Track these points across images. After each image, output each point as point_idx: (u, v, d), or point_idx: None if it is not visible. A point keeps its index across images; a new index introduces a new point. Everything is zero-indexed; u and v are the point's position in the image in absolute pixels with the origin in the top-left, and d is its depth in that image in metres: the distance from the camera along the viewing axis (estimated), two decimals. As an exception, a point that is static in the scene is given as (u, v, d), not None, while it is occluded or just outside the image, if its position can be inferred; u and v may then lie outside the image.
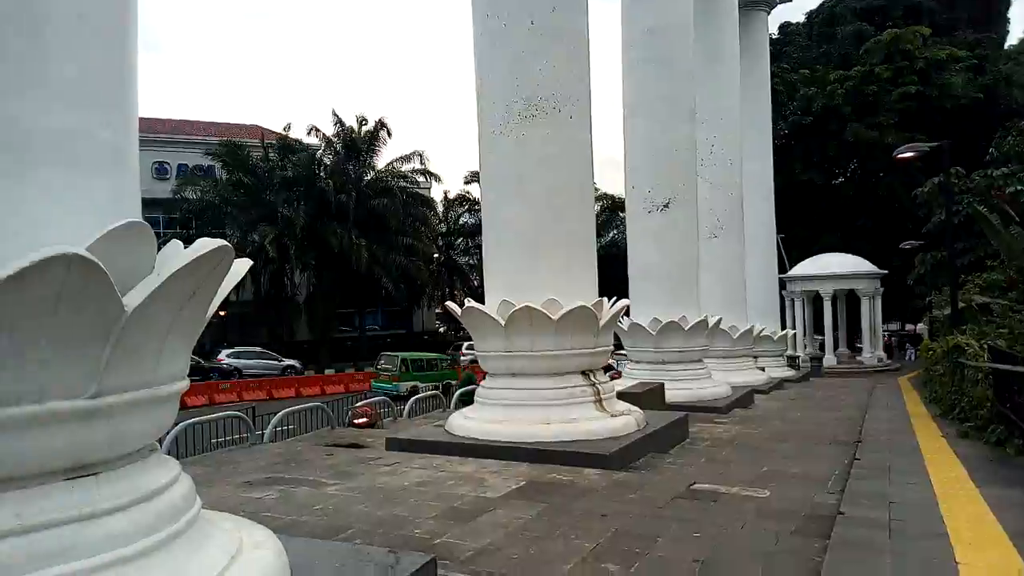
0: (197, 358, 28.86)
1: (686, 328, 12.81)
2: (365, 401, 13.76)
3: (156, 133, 39.79)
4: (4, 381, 2.49)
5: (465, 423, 8.49)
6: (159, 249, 3.13)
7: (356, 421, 10.94)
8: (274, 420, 10.10)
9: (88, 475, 2.84)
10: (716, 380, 13.72)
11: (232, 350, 33.19)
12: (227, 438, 11.11)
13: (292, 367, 33.76)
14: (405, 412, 12.68)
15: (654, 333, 12.78)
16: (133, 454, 3.09)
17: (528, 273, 8.55)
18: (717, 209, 17.24)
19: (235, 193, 37.29)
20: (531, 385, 8.33)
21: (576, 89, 8.87)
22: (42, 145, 2.75)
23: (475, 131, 9.23)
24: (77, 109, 2.90)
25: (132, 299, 2.77)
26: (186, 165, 41.04)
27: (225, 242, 3.16)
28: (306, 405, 11.96)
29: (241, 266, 3.65)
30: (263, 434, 9.75)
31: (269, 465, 7.72)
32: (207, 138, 40.90)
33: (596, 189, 31.06)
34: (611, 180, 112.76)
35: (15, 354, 2.50)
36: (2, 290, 2.34)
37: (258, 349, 34.66)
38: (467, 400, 11.41)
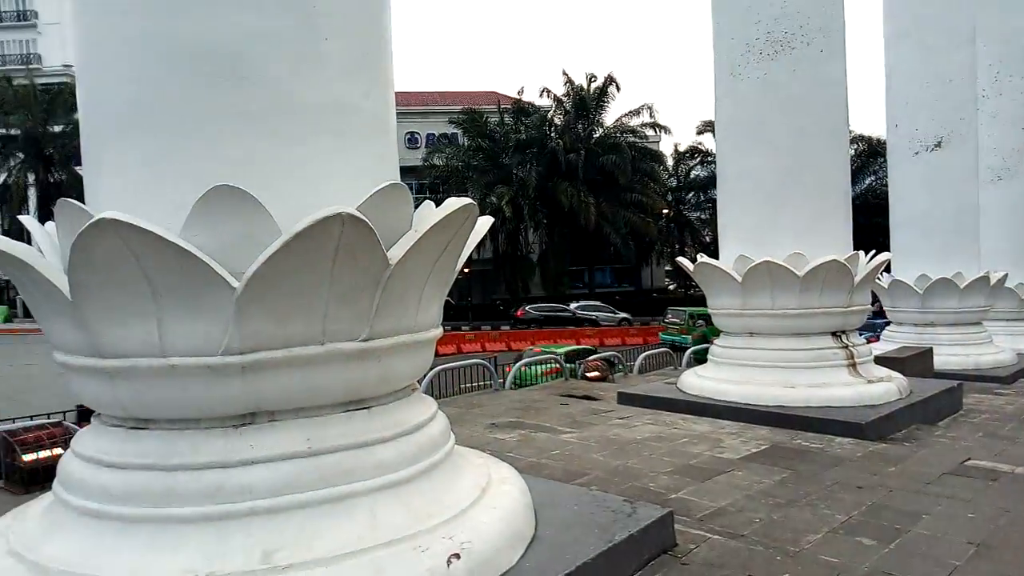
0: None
1: (961, 286, 11.15)
2: (596, 356, 14.03)
3: (408, 105, 43.42)
4: (294, 326, 2.90)
5: (698, 382, 8.27)
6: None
7: (588, 374, 11.19)
8: (513, 369, 10.70)
9: (362, 409, 3.22)
10: (999, 346, 11.84)
11: (577, 304, 36.50)
12: (473, 384, 12.02)
13: (627, 319, 35.85)
14: (635, 368, 12.70)
15: (921, 292, 11.31)
16: (398, 392, 3.45)
17: (769, 226, 7.99)
18: (1002, 148, 14.62)
19: (475, 157, 39.56)
20: (771, 345, 7.85)
21: (828, 18, 7.97)
22: (315, 116, 3.10)
23: (709, 77, 8.75)
24: (344, 82, 3.22)
25: (395, 253, 3.06)
26: (433, 134, 44.34)
27: (470, 200, 3.35)
28: (541, 356, 12.51)
29: (484, 223, 3.85)
30: (504, 382, 10.38)
31: (510, 410, 8.21)
32: (451, 107, 43.71)
33: (850, 132, 27.99)
34: (867, 120, 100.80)
35: (302, 303, 2.88)
36: (290, 247, 2.70)
37: (598, 303, 37.72)
38: (700, 359, 11.11)
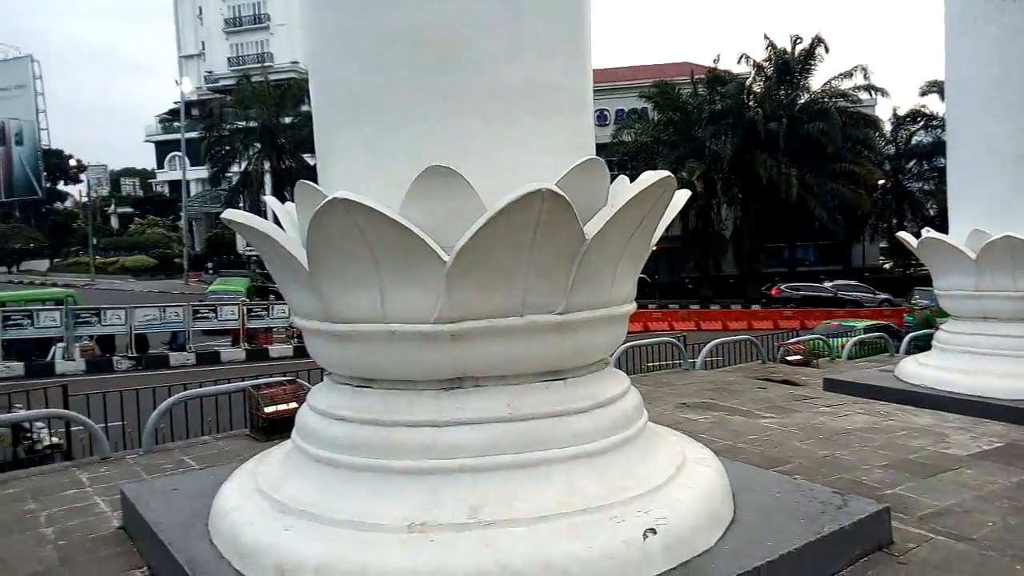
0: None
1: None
2: (797, 339, 13.16)
3: (597, 83, 43.17)
4: (496, 298, 3.04)
5: (919, 370, 7.48)
6: (609, 184, 3.40)
7: (789, 358, 10.56)
8: (705, 349, 10.38)
9: (558, 379, 3.32)
10: None
11: (833, 283, 35.92)
12: (662, 362, 11.84)
13: (888, 300, 34.47)
14: (844, 354, 11.75)
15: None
16: (592, 365, 3.51)
17: (1012, 198, 6.98)
18: None
19: (665, 132, 38.44)
20: (1011, 332, 6.89)
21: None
22: (518, 96, 3.20)
23: (936, 32, 7.74)
24: (544, 62, 3.28)
25: (591, 228, 3.09)
26: (623, 110, 43.75)
27: (668, 173, 3.28)
28: (735, 337, 12.00)
29: (681, 197, 3.76)
30: (695, 362, 10.11)
31: (701, 390, 8.00)
32: (641, 81, 42.83)
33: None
34: None
35: (505, 276, 3.02)
36: (495, 222, 2.83)
37: (855, 283, 36.73)
38: (921, 346, 10.04)
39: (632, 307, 3.67)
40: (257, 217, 3.40)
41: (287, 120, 40.50)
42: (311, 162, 40.98)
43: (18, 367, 16.19)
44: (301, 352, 12.85)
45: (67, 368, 16.57)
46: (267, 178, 41.58)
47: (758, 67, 38.04)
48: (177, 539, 3.41)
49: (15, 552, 4.01)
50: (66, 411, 6.72)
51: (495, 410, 3.10)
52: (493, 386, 3.18)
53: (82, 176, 62.84)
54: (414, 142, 3.12)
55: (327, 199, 2.83)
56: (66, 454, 7.34)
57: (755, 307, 34.35)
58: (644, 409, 3.70)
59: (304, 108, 39.51)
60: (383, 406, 3.20)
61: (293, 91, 40.03)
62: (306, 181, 3.18)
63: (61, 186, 67.39)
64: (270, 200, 3.75)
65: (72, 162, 64.68)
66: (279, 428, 6.37)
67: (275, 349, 19.74)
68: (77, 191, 66.30)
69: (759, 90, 38.05)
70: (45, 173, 62.37)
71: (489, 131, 3.15)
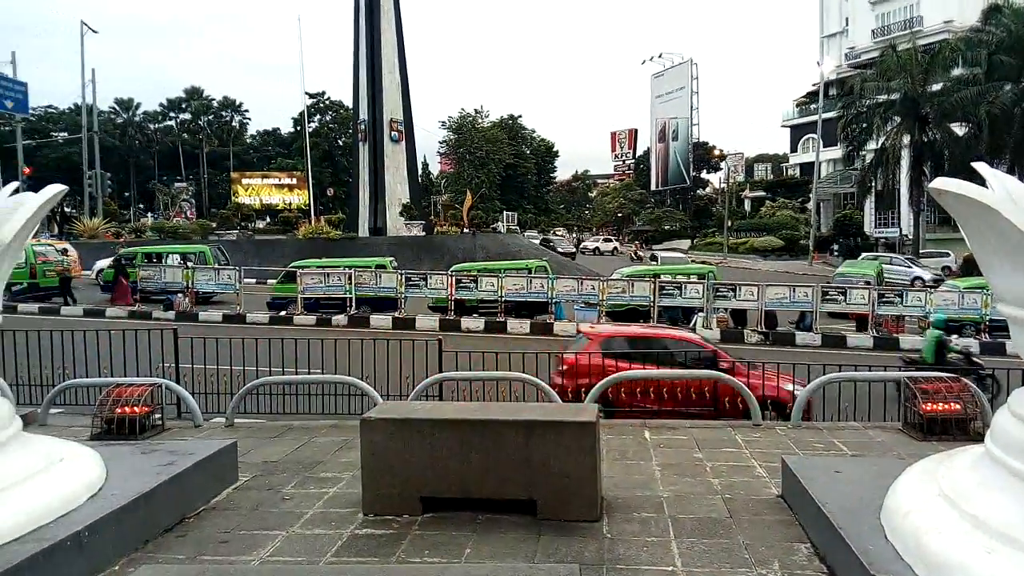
0: None
1: None
2: None
3: None
4: None
5: None
6: None
7: None
8: None
9: None
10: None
11: None
12: None
13: None
14: None
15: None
16: None
17: None
18: None
19: None
20: None
21: None
22: None
23: None
24: None
25: None
26: None
27: None
28: None
29: None
30: None
31: None
32: None
33: None
34: None
35: None
36: None
37: None
38: None
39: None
40: (973, 185, 2.92)
41: (934, 88, 36.27)
42: (959, 132, 35.80)
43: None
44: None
45: (705, 335, 18.63)
46: (904, 153, 38.25)
47: None
48: (848, 525, 3.29)
49: (688, 493, 4.57)
50: (717, 373, 7.37)
51: None
52: None
53: (721, 164, 69.74)
54: None
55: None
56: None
57: None
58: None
59: (956, 72, 34.70)
60: None
61: (944, 54, 35.50)
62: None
63: (704, 174, 76.27)
64: (982, 167, 3.18)
65: (715, 152, 72.41)
66: (936, 429, 5.69)
67: (906, 340, 18.07)
68: (716, 178, 74.15)
69: None
70: (692, 163, 71.62)
71: None
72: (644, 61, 78.89)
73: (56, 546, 3.22)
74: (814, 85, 52.61)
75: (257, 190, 62.66)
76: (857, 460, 4.70)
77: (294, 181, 61.96)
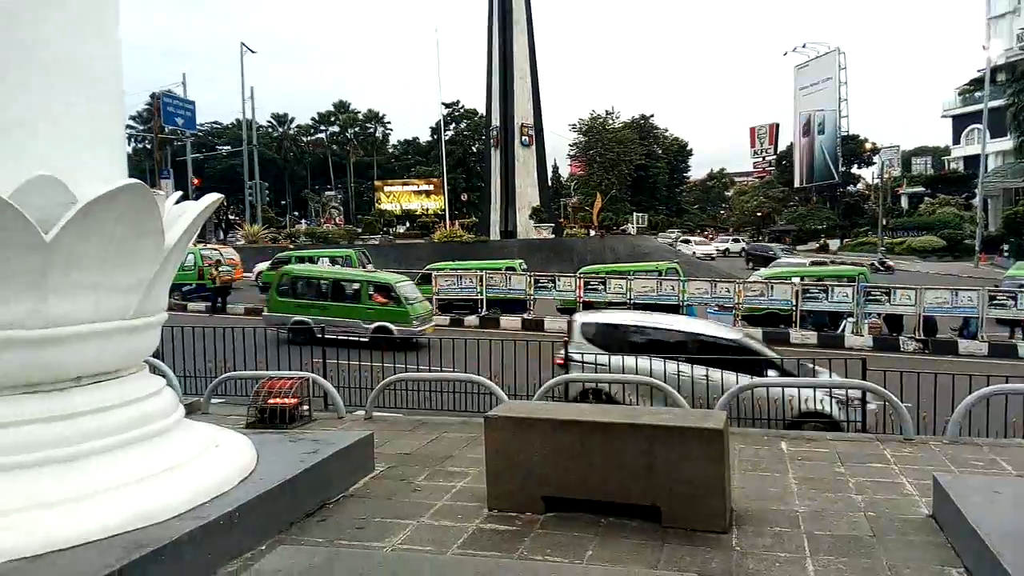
0: None
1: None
2: None
3: None
4: None
5: None
6: None
7: None
8: None
9: None
10: None
11: None
12: None
13: None
14: None
15: None
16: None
17: None
18: None
19: None
20: None
21: None
22: None
23: None
24: None
25: None
26: None
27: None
28: None
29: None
30: None
31: None
32: None
33: None
34: None
35: None
36: None
37: None
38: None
39: None
40: None
41: None
42: None
43: (812, 336, 17.88)
44: None
45: (855, 342, 17.37)
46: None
47: None
48: (1006, 551, 2.97)
49: (827, 509, 4.30)
50: (867, 383, 6.88)
51: None
52: None
53: (875, 158, 64.78)
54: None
55: None
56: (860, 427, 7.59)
57: None
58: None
59: None
60: None
61: None
62: None
63: (854, 169, 71.11)
64: None
65: (867, 146, 67.40)
66: None
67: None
68: (869, 173, 69.00)
69: None
70: (841, 158, 67.02)
71: None
72: (786, 52, 74.53)
73: (211, 524, 3.54)
74: (979, 71, 47.70)
75: (398, 196, 66.04)
76: (1021, 481, 4.22)
77: (431, 187, 64.50)
